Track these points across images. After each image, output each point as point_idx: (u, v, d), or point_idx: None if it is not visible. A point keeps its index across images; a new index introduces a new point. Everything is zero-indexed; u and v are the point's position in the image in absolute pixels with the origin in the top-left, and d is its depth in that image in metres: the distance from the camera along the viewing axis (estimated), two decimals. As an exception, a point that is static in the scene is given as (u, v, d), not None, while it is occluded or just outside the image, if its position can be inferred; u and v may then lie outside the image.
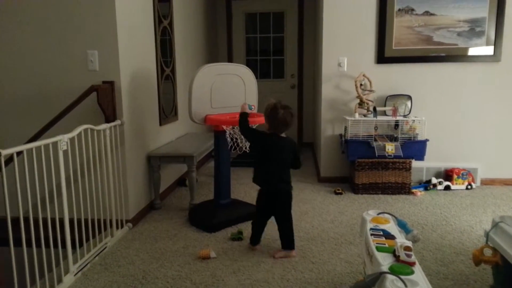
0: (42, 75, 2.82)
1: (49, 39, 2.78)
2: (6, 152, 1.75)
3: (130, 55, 2.92)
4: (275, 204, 2.46)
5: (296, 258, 2.40)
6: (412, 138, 3.63)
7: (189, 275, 2.22)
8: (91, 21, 2.72)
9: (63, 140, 2.12)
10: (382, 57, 3.83)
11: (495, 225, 1.85)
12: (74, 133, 2.23)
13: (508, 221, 1.82)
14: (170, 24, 3.78)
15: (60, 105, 2.61)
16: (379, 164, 3.61)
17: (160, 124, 3.56)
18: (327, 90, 3.96)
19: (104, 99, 2.68)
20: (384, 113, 3.80)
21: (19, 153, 1.87)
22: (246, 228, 2.86)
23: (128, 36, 2.89)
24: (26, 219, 1.84)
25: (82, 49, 2.76)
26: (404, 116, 3.73)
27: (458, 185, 3.73)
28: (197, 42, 4.83)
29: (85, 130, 2.36)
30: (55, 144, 2.08)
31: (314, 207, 3.31)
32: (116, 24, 2.71)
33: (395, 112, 3.68)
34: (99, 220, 2.56)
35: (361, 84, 3.74)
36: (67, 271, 2.17)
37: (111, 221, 2.68)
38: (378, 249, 1.54)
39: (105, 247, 2.55)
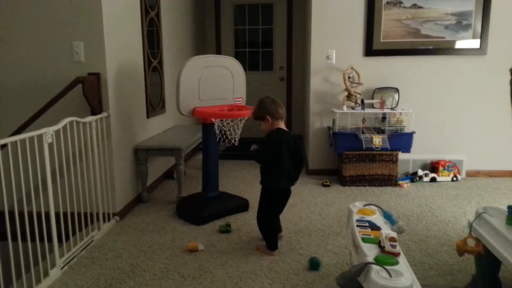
0: (27, 66, 2.77)
1: (34, 30, 2.72)
2: (-11, 145, 1.72)
3: (116, 47, 2.88)
4: (286, 200, 2.44)
5: (284, 250, 2.41)
6: (399, 131, 3.67)
7: (177, 268, 2.22)
8: (76, 12, 2.67)
9: (48, 132, 2.09)
10: (370, 50, 3.85)
11: (478, 216, 1.88)
12: (60, 125, 2.20)
13: (491, 212, 1.86)
14: (158, 15, 3.73)
15: (45, 97, 2.56)
16: (367, 156, 3.64)
17: (147, 117, 3.53)
18: (315, 83, 3.97)
19: (90, 91, 2.64)
20: (371, 106, 3.83)
21: (4, 146, 1.84)
22: (234, 220, 2.87)
23: (114, 27, 2.85)
24: (12, 213, 1.82)
25: (67, 40, 2.71)
26: (392, 108, 3.76)
27: (443, 177, 3.78)
28: (185, 33, 4.79)
29: (71, 123, 2.33)
30: (40, 137, 2.06)
31: (302, 199, 3.33)
32: (102, 14, 2.67)
33: (382, 104, 3.70)
34: (85, 214, 2.53)
35: (349, 77, 3.75)
36: (53, 265, 2.16)
37: (97, 214, 2.66)
38: (364, 240, 1.56)
39: (92, 241, 2.54)
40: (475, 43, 3.77)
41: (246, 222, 2.84)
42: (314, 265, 2.17)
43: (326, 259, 2.29)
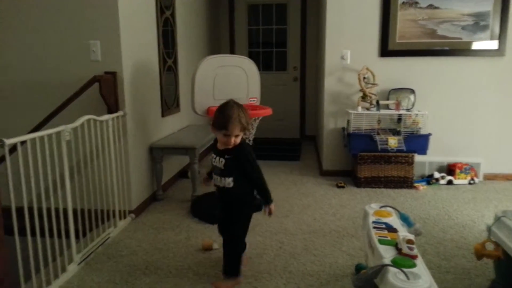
0: (45, 65, 2.82)
1: (52, 29, 2.77)
2: (10, 141, 1.75)
3: (132, 46, 2.91)
4: None
5: (299, 250, 2.41)
6: (415, 132, 3.62)
7: (191, 266, 2.23)
8: (93, 11, 2.71)
9: (66, 130, 2.12)
10: (385, 50, 3.81)
11: (497, 219, 1.85)
12: (77, 123, 2.23)
13: (511, 215, 1.82)
14: (172, 14, 3.76)
15: (63, 96, 2.60)
16: (382, 158, 3.60)
17: (162, 116, 3.56)
18: (330, 83, 3.95)
19: (107, 89, 2.67)
20: (387, 107, 3.79)
21: (23, 143, 1.87)
22: (248, 220, 2.86)
23: (130, 26, 2.88)
24: (30, 209, 1.85)
25: (84, 39, 2.75)
26: (407, 110, 3.72)
27: (460, 180, 3.72)
28: (199, 33, 4.81)
29: (88, 121, 2.36)
30: (58, 134, 2.09)
31: (316, 200, 3.31)
32: (118, 14, 2.69)
33: (398, 106, 3.67)
34: (102, 211, 2.57)
35: (364, 78, 3.72)
36: (70, 261, 2.19)
37: (114, 211, 2.69)
38: (381, 242, 1.55)
39: (108, 237, 2.56)
40: (493, 44, 3.70)
41: (260, 222, 2.84)
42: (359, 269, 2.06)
43: (340, 261, 2.28)
